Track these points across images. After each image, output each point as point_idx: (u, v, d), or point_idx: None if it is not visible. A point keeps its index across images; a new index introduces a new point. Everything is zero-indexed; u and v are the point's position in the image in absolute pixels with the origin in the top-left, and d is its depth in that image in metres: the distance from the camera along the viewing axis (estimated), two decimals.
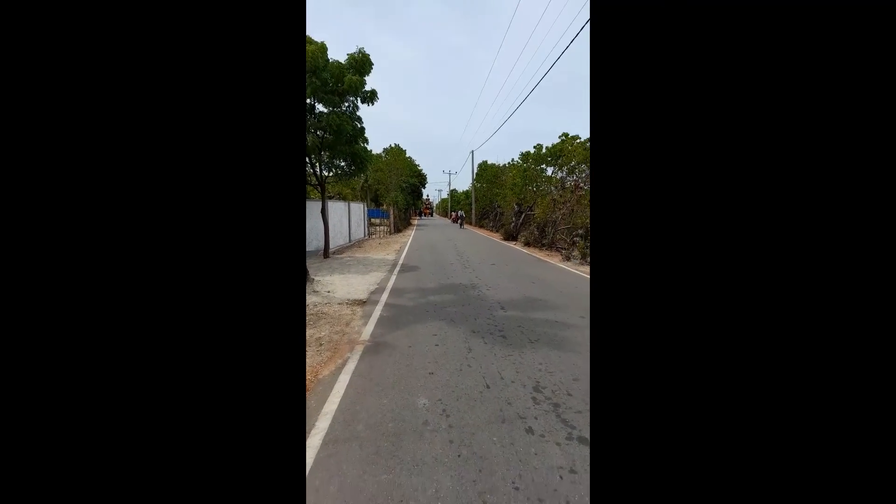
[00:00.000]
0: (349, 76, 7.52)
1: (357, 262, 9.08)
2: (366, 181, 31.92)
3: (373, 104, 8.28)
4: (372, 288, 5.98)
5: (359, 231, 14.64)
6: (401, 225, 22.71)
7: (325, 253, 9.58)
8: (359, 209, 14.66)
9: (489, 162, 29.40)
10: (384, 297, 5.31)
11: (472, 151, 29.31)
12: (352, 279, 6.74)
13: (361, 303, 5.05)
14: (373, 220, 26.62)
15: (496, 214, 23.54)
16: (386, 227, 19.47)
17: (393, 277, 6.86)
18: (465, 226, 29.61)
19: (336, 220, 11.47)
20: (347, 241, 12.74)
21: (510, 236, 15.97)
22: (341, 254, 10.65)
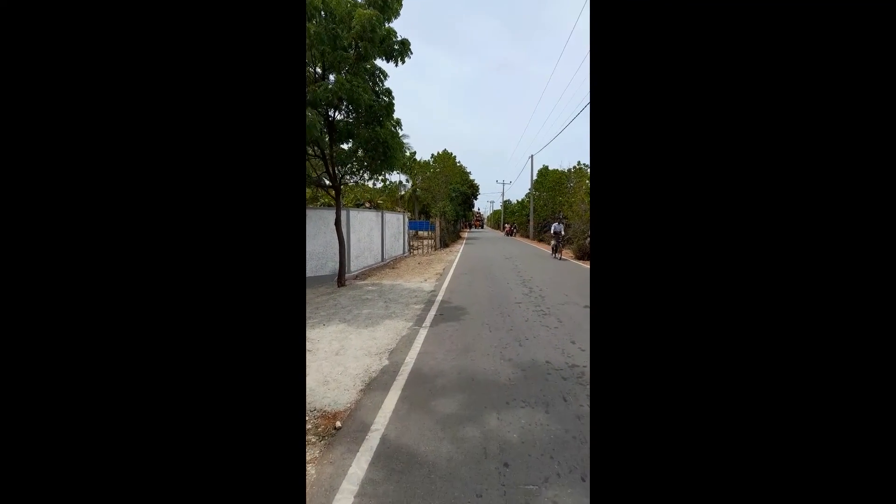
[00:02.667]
0: (361, 11, 4.93)
1: (380, 294, 6.40)
2: (414, 191, 30.12)
3: (403, 62, 5.66)
4: (373, 369, 3.16)
5: (396, 246, 12.18)
6: (448, 238, 20.01)
7: (340, 279, 7.01)
8: (396, 220, 12.23)
9: (550, 168, 25.84)
10: (383, 412, 2.42)
11: (532, 156, 25.99)
12: (350, 339, 3.96)
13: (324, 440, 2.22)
14: (419, 232, 24.48)
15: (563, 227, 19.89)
16: (431, 241, 16.90)
17: (421, 336, 4.00)
18: (519, 238, 26.49)
19: (364, 233, 9.04)
20: (380, 259, 10.28)
21: (585, 254, 12.42)
22: (366, 278, 8.10)
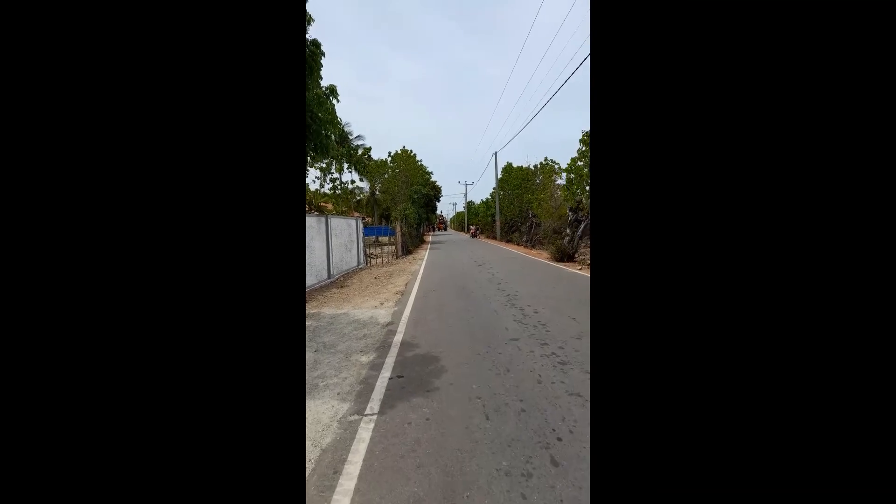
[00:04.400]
0: None
1: (312, 334, 4.40)
2: (372, 194, 27.80)
3: None
4: None
5: (348, 258, 10.09)
6: (411, 245, 18.05)
7: None
8: (346, 227, 10.14)
9: (514, 165, 24.76)
10: None
11: (496, 153, 24.79)
12: None
13: None
14: (380, 238, 22.30)
15: (531, 226, 18.74)
16: (393, 248, 14.87)
17: (357, 449, 2.10)
18: (484, 239, 25.31)
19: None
20: (325, 276, 8.19)
21: (565, 256, 11.11)
22: None
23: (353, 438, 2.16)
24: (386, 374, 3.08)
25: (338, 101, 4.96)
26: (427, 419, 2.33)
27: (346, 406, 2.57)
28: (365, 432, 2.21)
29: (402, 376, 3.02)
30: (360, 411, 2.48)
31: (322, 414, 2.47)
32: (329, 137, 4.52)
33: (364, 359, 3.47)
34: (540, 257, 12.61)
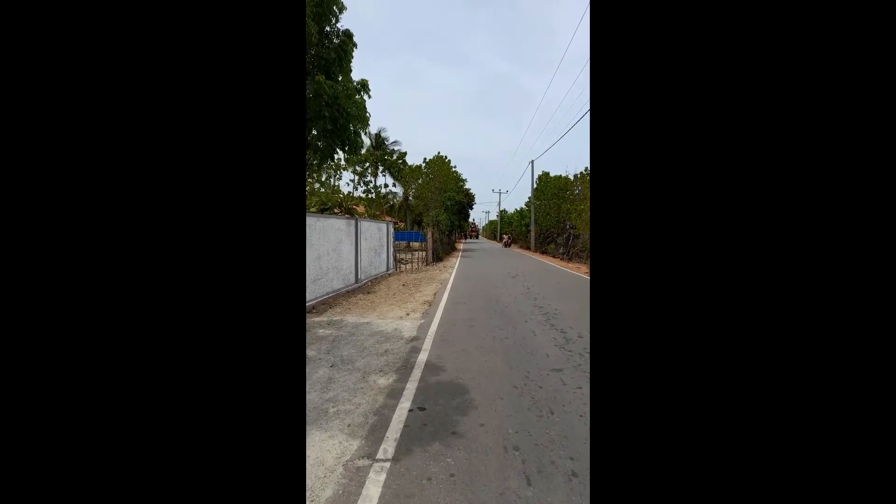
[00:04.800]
0: None
1: (331, 346, 4.07)
2: (406, 199, 27.88)
3: None
4: None
5: (377, 263, 9.87)
6: (442, 251, 17.68)
7: None
8: (377, 231, 9.94)
9: (551, 175, 23.84)
10: None
11: (532, 161, 24.01)
12: None
13: None
14: (412, 244, 22.15)
15: (568, 237, 17.78)
16: (423, 254, 14.56)
17: None
18: (517, 249, 24.59)
19: (328, 248, 6.73)
20: (353, 280, 7.96)
21: None
22: (324, 311, 5.76)
23: (359, 494, 1.73)
24: (405, 404, 2.63)
25: (369, 96, 4.70)
26: (451, 475, 1.85)
27: (355, 445, 2.15)
28: (374, 486, 1.78)
29: (424, 409, 2.56)
30: (372, 454, 2.05)
31: (327, 452, 2.07)
32: (358, 134, 4.24)
33: (382, 381, 3.06)
34: (578, 271, 11.76)
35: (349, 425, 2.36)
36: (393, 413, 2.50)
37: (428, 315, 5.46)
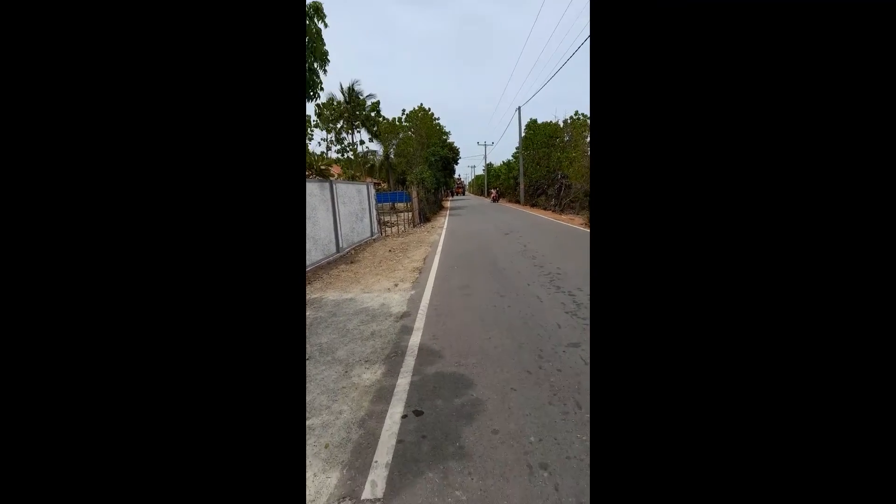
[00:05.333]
0: None
1: (308, 332, 3.50)
2: (387, 158, 26.23)
3: None
4: None
5: (360, 229, 9.12)
6: (429, 211, 16.87)
7: None
8: (356, 194, 9.05)
9: (539, 122, 22.49)
10: None
11: (519, 108, 22.47)
12: None
13: None
14: (396, 205, 21.12)
15: (559, 188, 17.11)
16: (409, 215, 13.75)
17: None
18: (506, 203, 24.06)
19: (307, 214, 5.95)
20: (335, 250, 7.27)
21: None
22: None
23: None
24: (398, 408, 2.12)
25: (325, 25, 3.70)
26: None
27: (334, 478, 1.64)
28: None
29: (421, 413, 2.06)
30: (355, 494, 1.54)
31: None
32: (314, 72, 3.34)
33: (368, 376, 2.53)
34: (572, 223, 11.27)
35: (327, 446, 1.85)
36: (382, 424, 1.99)
37: (418, 285, 4.90)
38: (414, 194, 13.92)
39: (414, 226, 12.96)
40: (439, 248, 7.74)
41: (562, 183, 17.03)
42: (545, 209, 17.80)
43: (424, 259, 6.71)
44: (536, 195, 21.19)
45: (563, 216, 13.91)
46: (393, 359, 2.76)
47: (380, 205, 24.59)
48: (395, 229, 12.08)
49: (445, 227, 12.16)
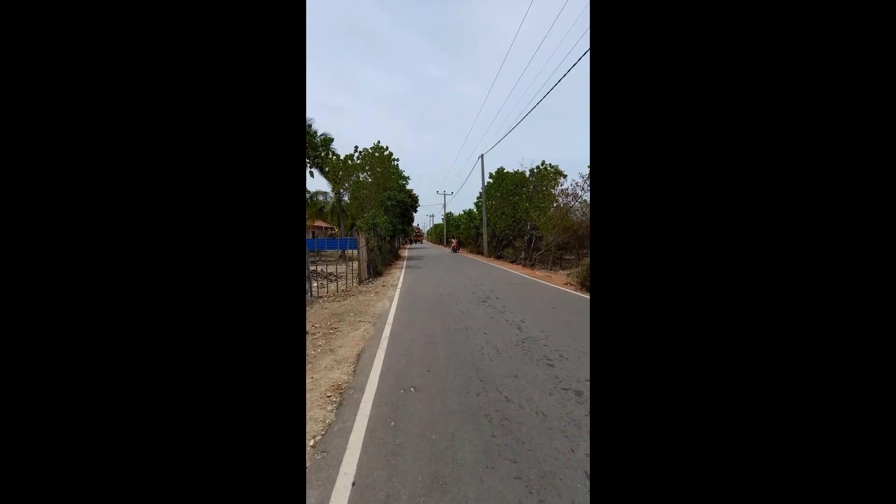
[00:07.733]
0: None
1: None
2: (339, 200, 23.60)
3: None
4: None
5: None
6: (381, 263, 14.16)
7: None
8: None
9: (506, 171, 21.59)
10: None
11: (482, 156, 21.51)
12: None
13: None
14: (348, 252, 18.14)
15: (530, 240, 15.46)
16: (357, 269, 10.89)
17: None
18: (466, 254, 22.25)
19: None
20: None
21: None
22: None
23: None
24: None
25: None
26: None
27: None
28: None
29: None
30: None
31: None
32: None
33: None
34: (551, 281, 9.22)
35: None
36: None
37: (333, 455, 2.14)
38: (362, 242, 11.27)
39: (360, 282, 10.15)
40: (386, 331, 5.01)
41: (532, 234, 15.44)
42: (513, 262, 15.93)
43: (357, 359, 3.94)
44: (502, 247, 19.50)
45: (537, 272, 11.95)
46: None
47: (321, 252, 21.17)
48: (336, 285, 9.20)
49: (400, 285, 9.51)
